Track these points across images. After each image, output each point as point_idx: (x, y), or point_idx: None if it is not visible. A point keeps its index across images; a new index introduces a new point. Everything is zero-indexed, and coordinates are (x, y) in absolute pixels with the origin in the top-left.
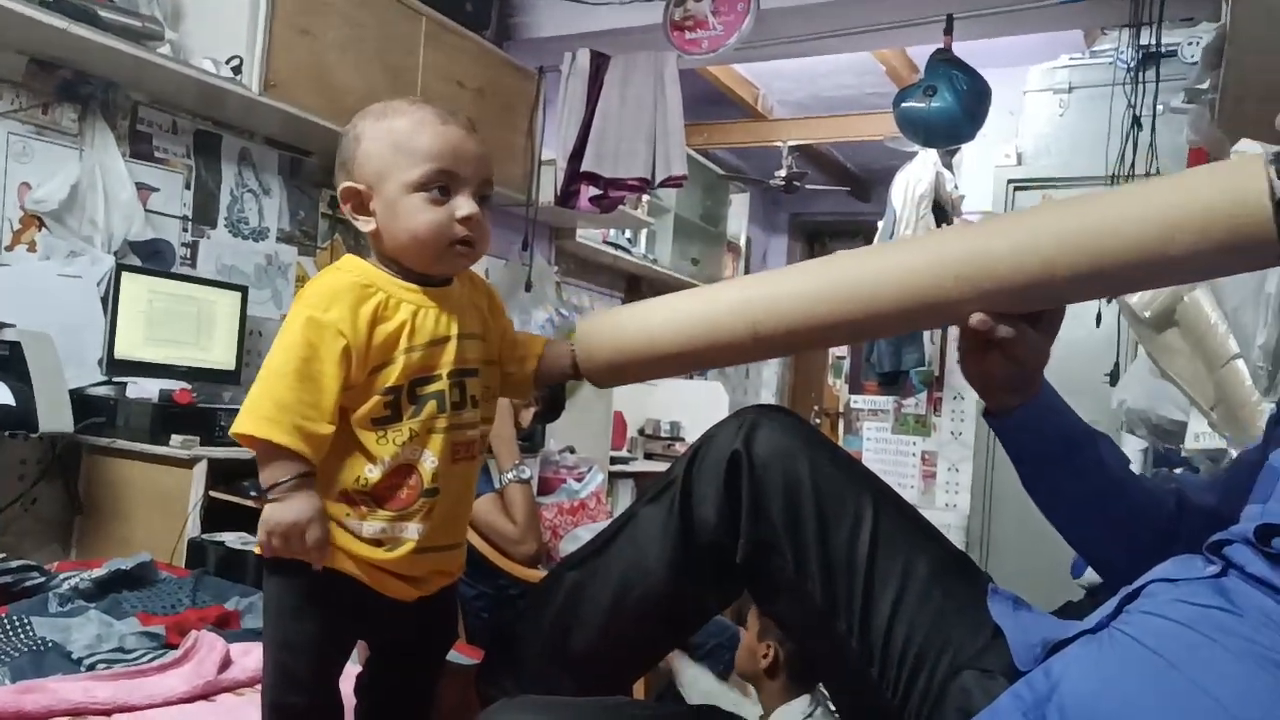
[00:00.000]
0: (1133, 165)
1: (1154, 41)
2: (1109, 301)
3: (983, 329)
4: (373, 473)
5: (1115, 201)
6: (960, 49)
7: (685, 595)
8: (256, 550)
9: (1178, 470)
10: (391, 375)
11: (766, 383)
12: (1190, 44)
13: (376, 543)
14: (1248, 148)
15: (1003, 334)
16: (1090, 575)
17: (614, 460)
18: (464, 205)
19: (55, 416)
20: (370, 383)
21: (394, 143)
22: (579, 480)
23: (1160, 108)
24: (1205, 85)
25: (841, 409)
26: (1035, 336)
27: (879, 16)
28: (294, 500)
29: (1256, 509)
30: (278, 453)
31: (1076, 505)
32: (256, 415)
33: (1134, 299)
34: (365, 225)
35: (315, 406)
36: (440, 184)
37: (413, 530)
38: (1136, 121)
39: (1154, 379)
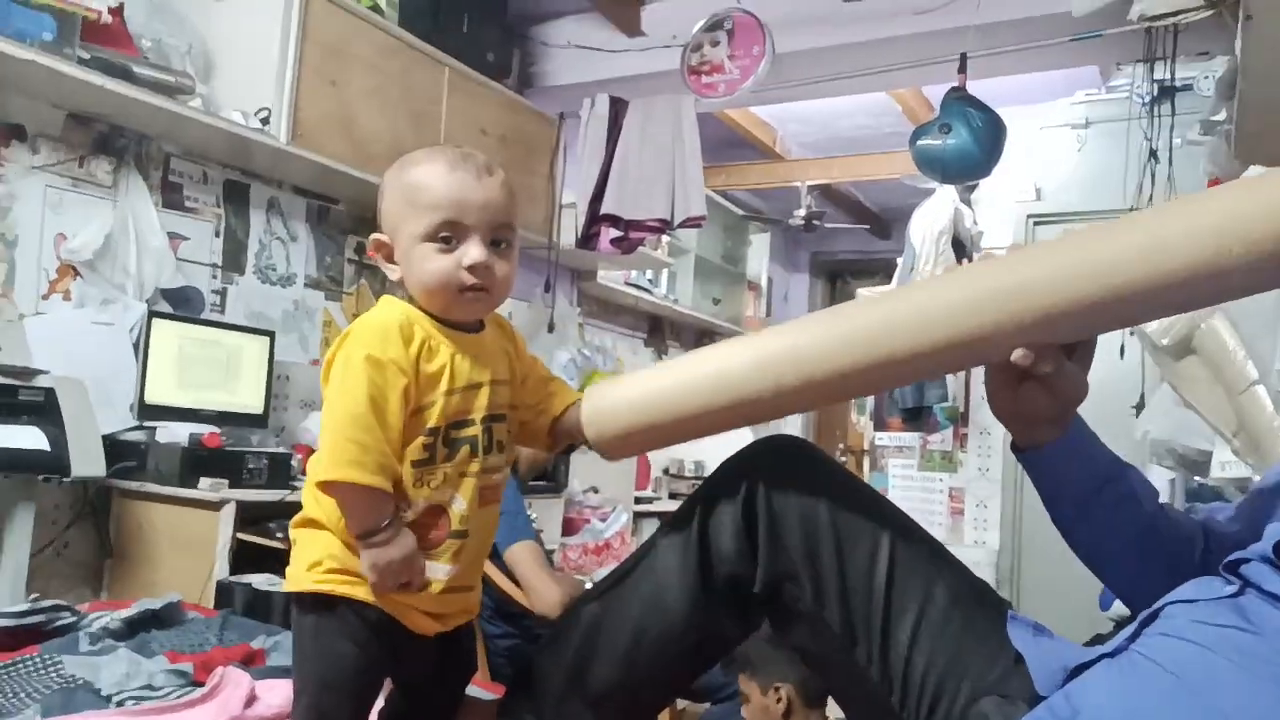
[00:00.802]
0: (1151, 198)
1: (1169, 75)
2: (1131, 333)
3: (1025, 364)
4: (407, 513)
5: (1160, 218)
6: (976, 87)
7: (705, 627)
8: (284, 588)
9: (1213, 504)
10: (432, 417)
11: (791, 421)
12: (1205, 77)
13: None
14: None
15: (1045, 369)
16: (1119, 608)
17: (638, 500)
18: (470, 253)
19: (87, 461)
20: (413, 424)
21: (404, 195)
22: (603, 520)
23: (1178, 141)
24: (1221, 117)
25: (866, 446)
26: (1074, 368)
27: (893, 57)
28: (399, 539)
29: (1276, 526)
30: (370, 495)
31: (1108, 541)
32: (343, 460)
33: (1151, 327)
34: (394, 274)
35: (390, 444)
36: (445, 233)
37: (441, 571)
38: (1154, 155)
39: (1178, 409)
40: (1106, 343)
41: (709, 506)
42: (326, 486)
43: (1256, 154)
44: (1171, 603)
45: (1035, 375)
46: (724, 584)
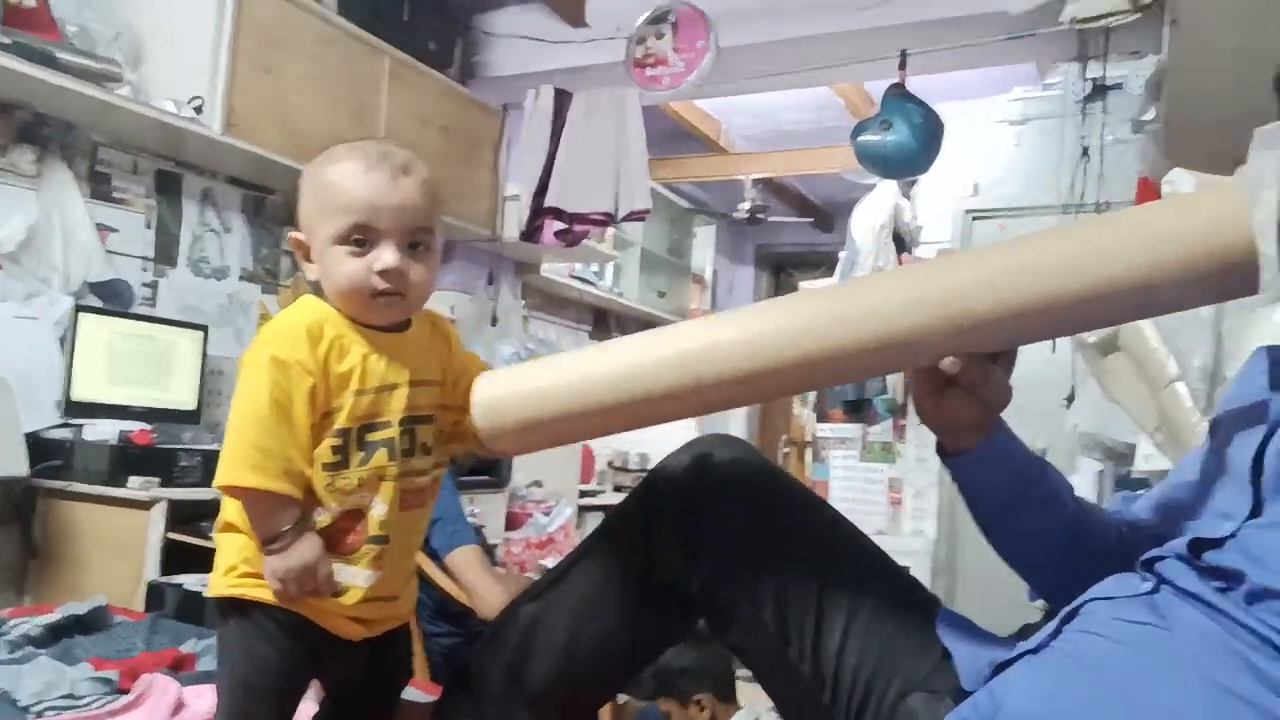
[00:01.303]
0: (1083, 194)
1: (1102, 75)
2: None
3: (953, 372)
4: (322, 516)
5: (1099, 231)
6: (916, 83)
7: (642, 627)
8: (208, 593)
9: (1139, 492)
10: (340, 418)
11: (734, 414)
12: (1136, 77)
13: None
14: (1178, 176)
15: (972, 377)
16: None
17: (583, 493)
18: (382, 257)
19: (9, 460)
20: (322, 425)
21: (319, 195)
22: (547, 514)
23: (1109, 138)
24: (1150, 117)
25: (809, 438)
26: (999, 375)
27: (835, 53)
28: (300, 546)
29: (1190, 524)
30: (270, 501)
31: (1033, 542)
32: (243, 464)
33: None
34: (311, 274)
35: (296, 447)
36: (357, 236)
37: (360, 577)
38: (1086, 152)
39: (1106, 402)
40: None
41: (648, 506)
42: (227, 491)
43: (1183, 152)
44: (1090, 600)
45: (965, 383)
46: (661, 583)
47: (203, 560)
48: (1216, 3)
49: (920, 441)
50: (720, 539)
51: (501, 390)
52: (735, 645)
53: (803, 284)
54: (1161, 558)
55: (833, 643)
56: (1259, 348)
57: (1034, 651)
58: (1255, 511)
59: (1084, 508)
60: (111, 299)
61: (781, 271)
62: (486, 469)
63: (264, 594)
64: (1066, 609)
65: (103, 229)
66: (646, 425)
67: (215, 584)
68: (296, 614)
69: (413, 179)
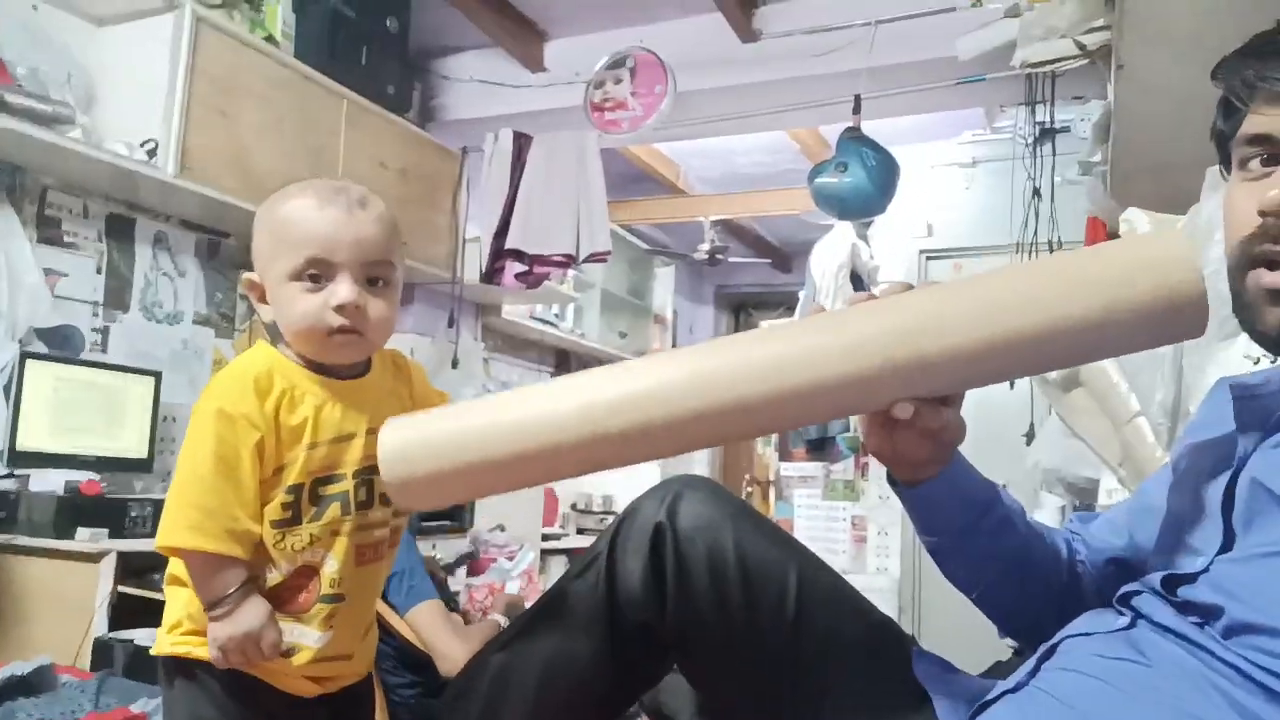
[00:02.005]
0: (1036, 233)
1: (1049, 118)
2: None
3: (905, 416)
4: (273, 574)
5: (1050, 271)
6: (869, 127)
7: (613, 673)
8: (154, 651)
9: (1096, 511)
10: (293, 474)
11: (698, 455)
12: (1082, 120)
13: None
14: (1135, 215)
15: (928, 424)
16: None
17: (546, 537)
18: (338, 293)
19: None
20: (273, 481)
21: (273, 232)
22: (510, 559)
23: (1058, 180)
24: (1097, 159)
25: (772, 477)
26: (953, 415)
27: (790, 97)
28: (243, 611)
29: (1162, 560)
30: (214, 562)
31: (987, 568)
32: (183, 524)
33: None
34: (266, 316)
35: (241, 506)
36: (313, 271)
37: (311, 637)
38: (1037, 193)
39: (1067, 439)
40: None
41: (616, 550)
42: (167, 552)
43: (1129, 194)
44: (1068, 637)
45: (920, 429)
46: (632, 628)
47: (155, 614)
48: (1161, 50)
49: (882, 479)
50: (691, 582)
51: (409, 437)
52: (709, 692)
53: (763, 323)
54: (1137, 592)
55: (809, 684)
56: (1220, 379)
57: (1013, 691)
58: (1226, 545)
59: (1035, 532)
60: (60, 345)
61: (741, 311)
62: (447, 513)
63: (207, 653)
64: (1044, 646)
65: (51, 273)
66: (565, 476)
67: (160, 641)
68: (244, 674)
69: (369, 212)
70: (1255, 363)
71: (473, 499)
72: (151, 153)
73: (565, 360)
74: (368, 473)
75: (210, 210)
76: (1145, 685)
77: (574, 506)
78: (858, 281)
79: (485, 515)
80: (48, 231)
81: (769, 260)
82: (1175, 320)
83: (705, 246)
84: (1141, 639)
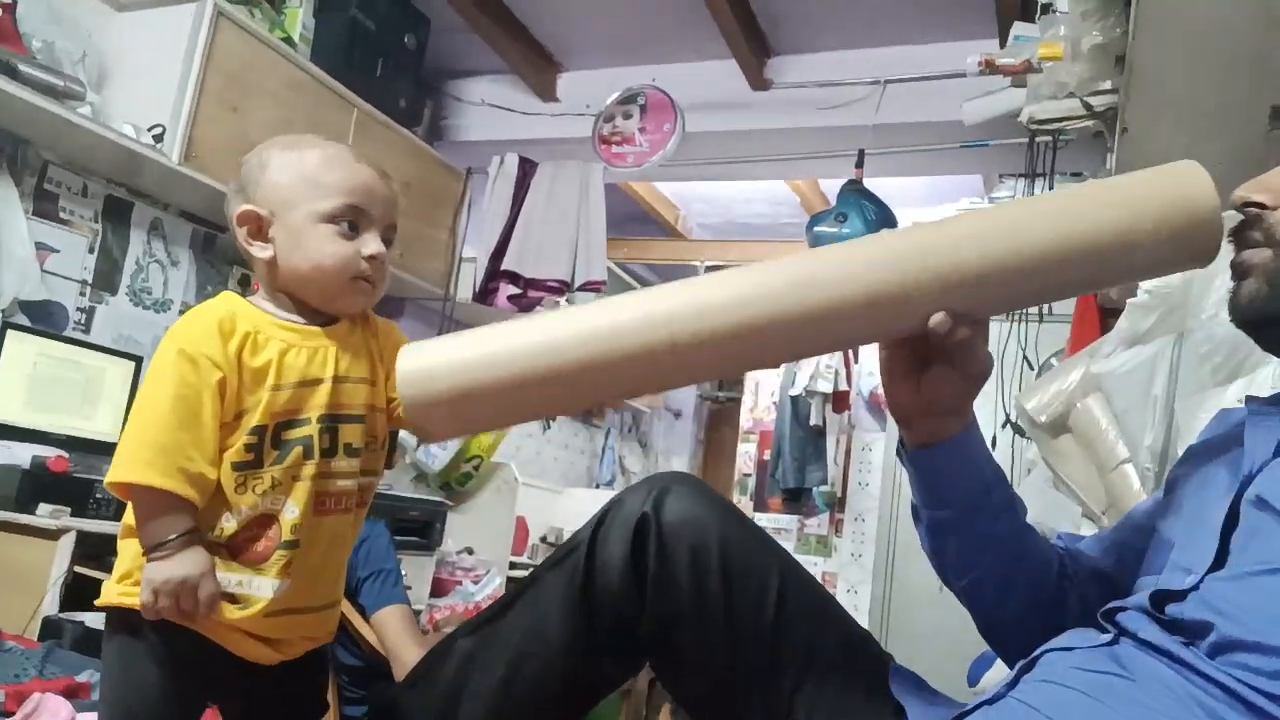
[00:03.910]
0: None
1: (1049, 187)
2: (1004, 425)
3: (943, 329)
4: (229, 523)
5: (1077, 195)
6: (869, 187)
7: (585, 666)
8: (99, 601)
9: (1082, 532)
10: (255, 415)
11: None
12: None
13: (229, 598)
14: None
15: (963, 335)
16: (984, 684)
17: (513, 565)
18: (371, 243)
19: None
20: (236, 423)
21: (305, 173)
22: (475, 583)
23: None
24: None
25: None
26: (984, 344)
27: (796, 147)
28: (184, 556)
29: (1151, 579)
30: (161, 502)
31: (983, 551)
32: (134, 461)
33: (1030, 404)
34: (261, 251)
35: (198, 447)
36: (350, 219)
37: (267, 587)
38: None
39: (1046, 493)
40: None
41: (596, 539)
42: (116, 490)
43: None
44: (1049, 650)
45: (951, 345)
46: (608, 621)
47: None
48: (1165, 115)
49: (856, 537)
50: (672, 577)
51: (432, 359)
52: (681, 693)
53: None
54: (1122, 609)
55: (784, 690)
56: (1221, 410)
57: (990, 702)
58: (1218, 564)
59: (1033, 531)
60: (43, 320)
61: None
62: (418, 530)
63: (138, 597)
64: (1024, 661)
65: (43, 248)
66: (591, 402)
67: (107, 591)
68: (192, 632)
69: (389, 182)
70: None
71: (493, 427)
72: (158, 138)
73: None
74: (331, 420)
75: (209, 202)
76: (1127, 699)
77: (544, 539)
78: None
79: (454, 536)
80: (44, 206)
81: None
82: (1192, 235)
83: None
84: (1125, 654)
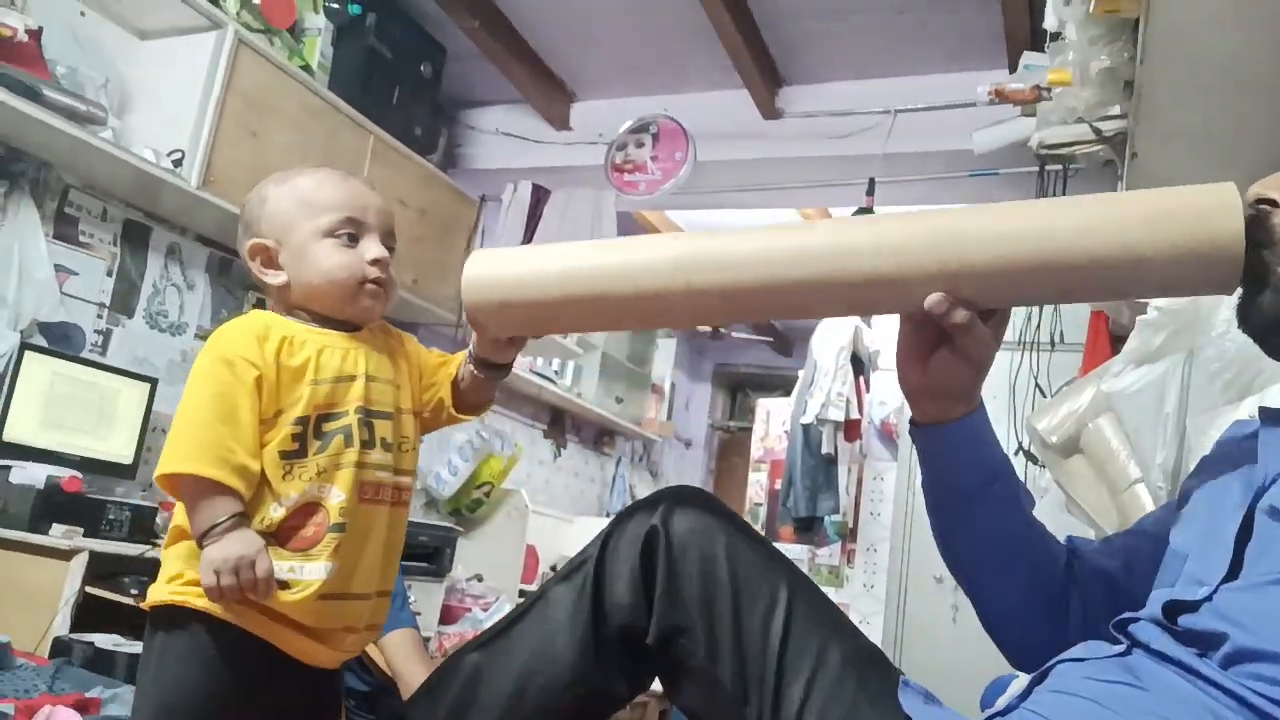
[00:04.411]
0: (1038, 328)
1: None
2: (1016, 452)
3: (939, 310)
4: (277, 511)
5: (1099, 203)
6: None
7: (593, 681)
8: (144, 606)
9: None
10: (299, 406)
11: None
12: None
13: (281, 585)
14: None
15: (960, 318)
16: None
17: (523, 593)
18: (372, 248)
19: None
20: (275, 419)
21: (299, 197)
22: (485, 610)
23: None
24: None
25: None
26: (986, 330)
27: (807, 176)
28: (235, 536)
29: (1164, 591)
30: (208, 491)
31: (984, 539)
32: (178, 455)
33: (1042, 424)
34: (275, 279)
35: (238, 440)
36: (348, 230)
37: (318, 570)
38: None
39: (1058, 516)
40: None
41: (607, 553)
42: (164, 482)
43: None
44: (1061, 662)
45: (948, 326)
46: (616, 634)
47: (121, 619)
48: (1175, 142)
49: (868, 568)
50: (680, 589)
51: (492, 267)
52: (688, 706)
53: (760, 400)
54: (1135, 620)
55: (793, 703)
56: (1235, 421)
57: (1003, 714)
58: (1232, 575)
59: (1039, 525)
60: (60, 341)
61: (738, 392)
62: (428, 556)
63: (206, 603)
64: (1036, 672)
65: (62, 270)
66: (626, 327)
67: (156, 590)
68: (242, 631)
69: (380, 194)
70: None
71: (537, 333)
72: (177, 162)
73: (559, 419)
74: (367, 414)
75: (225, 227)
76: (1140, 708)
77: (554, 568)
78: (858, 365)
79: (464, 563)
80: (64, 229)
81: (770, 340)
82: (1209, 264)
83: None
84: (1138, 665)
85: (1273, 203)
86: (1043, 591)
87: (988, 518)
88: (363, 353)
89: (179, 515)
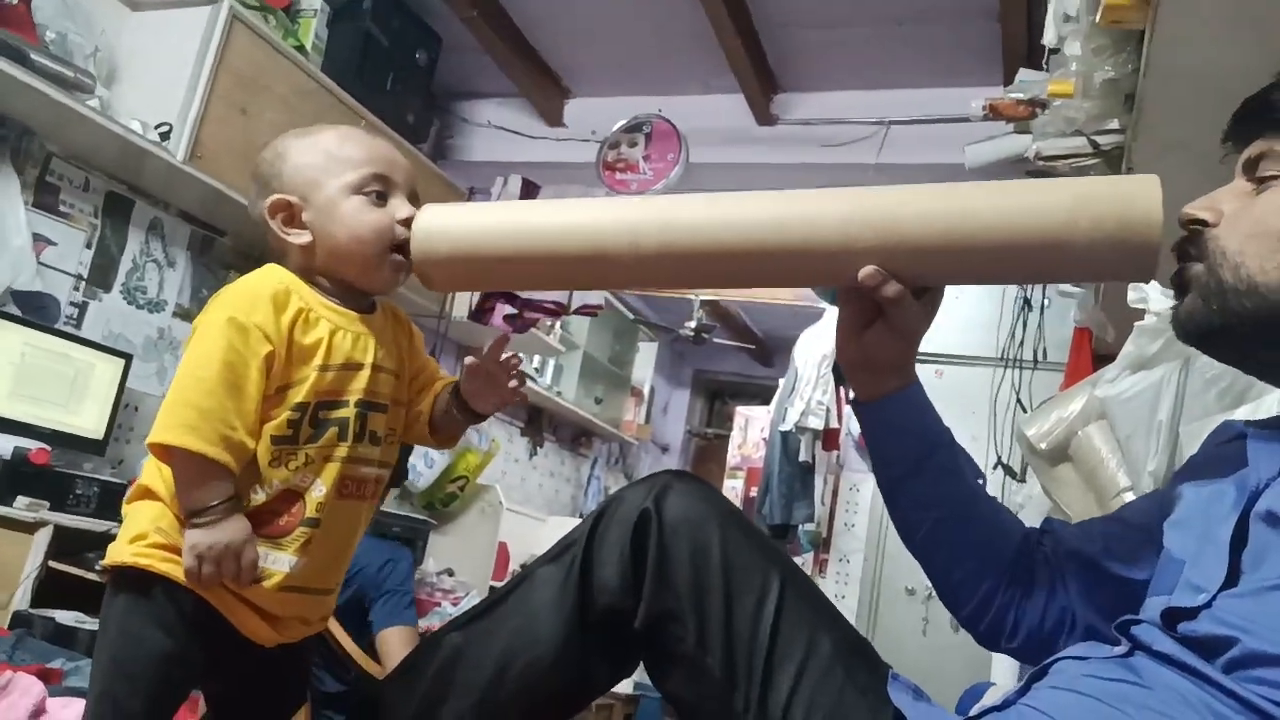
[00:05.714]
0: (1022, 343)
1: None
2: (995, 467)
3: (872, 282)
4: (258, 495)
5: (1025, 187)
6: None
7: (576, 665)
8: (100, 566)
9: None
10: (301, 391)
11: None
12: None
13: None
14: (1151, 290)
15: (891, 292)
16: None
17: (493, 589)
18: (402, 207)
19: None
20: (279, 397)
21: (325, 152)
22: (455, 605)
23: (1051, 290)
24: None
25: None
26: (917, 305)
27: (799, 183)
28: (228, 524)
29: (1162, 599)
30: (203, 468)
31: (929, 509)
32: (177, 424)
33: (1032, 431)
34: (299, 238)
35: (240, 416)
36: (377, 188)
37: (285, 562)
38: (1028, 303)
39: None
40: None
41: (595, 534)
42: (157, 451)
43: (1119, 307)
44: (1061, 659)
45: (880, 300)
46: (602, 617)
47: (83, 596)
48: (1173, 157)
49: (840, 578)
50: (671, 574)
51: (444, 220)
52: (674, 693)
53: (739, 409)
54: (1137, 622)
55: (781, 692)
56: (1224, 421)
57: (999, 709)
58: (1230, 582)
59: (987, 495)
60: (35, 311)
61: (717, 399)
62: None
63: (172, 569)
64: (1035, 669)
65: (40, 240)
66: (572, 286)
67: (117, 550)
68: (199, 600)
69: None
70: None
71: (486, 288)
72: (164, 135)
73: (537, 417)
74: (366, 407)
75: (209, 204)
76: (1141, 705)
77: (523, 565)
78: (840, 374)
79: (435, 557)
80: (44, 198)
81: (750, 348)
82: (1126, 241)
83: (692, 323)
84: (1139, 665)
85: (1203, 223)
86: (996, 565)
87: (933, 486)
88: (373, 339)
89: (149, 473)
